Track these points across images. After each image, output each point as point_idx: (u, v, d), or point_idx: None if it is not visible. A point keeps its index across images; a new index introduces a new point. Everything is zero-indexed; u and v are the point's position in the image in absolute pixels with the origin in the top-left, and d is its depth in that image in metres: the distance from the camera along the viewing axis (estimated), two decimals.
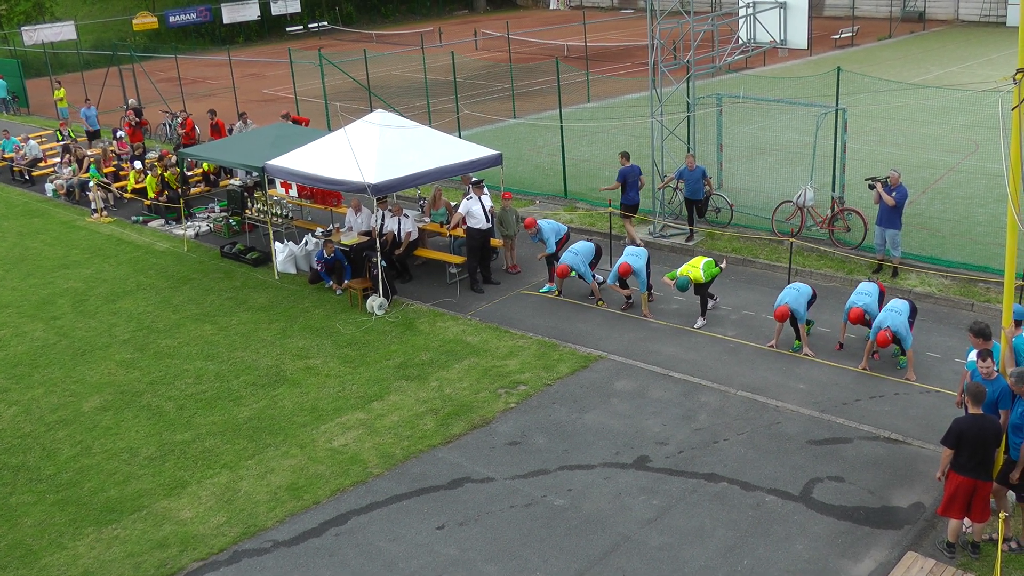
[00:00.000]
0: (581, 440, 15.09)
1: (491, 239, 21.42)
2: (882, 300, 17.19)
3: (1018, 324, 13.14)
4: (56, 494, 14.95)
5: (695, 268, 18.44)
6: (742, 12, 23.90)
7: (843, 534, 12.76)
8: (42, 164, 35.56)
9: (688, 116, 24.37)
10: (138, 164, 31.18)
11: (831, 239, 21.80)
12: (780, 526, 12.97)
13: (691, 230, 22.87)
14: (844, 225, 21.72)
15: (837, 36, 51.81)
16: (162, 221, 28.55)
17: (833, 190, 22.15)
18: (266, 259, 23.72)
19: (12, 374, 19.05)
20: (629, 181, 22.76)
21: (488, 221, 20.96)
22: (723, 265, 19.27)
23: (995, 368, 12.29)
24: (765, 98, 29.32)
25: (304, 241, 23.29)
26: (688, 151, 23.72)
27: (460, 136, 26.50)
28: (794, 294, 17.20)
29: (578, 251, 19.97)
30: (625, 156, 23.12)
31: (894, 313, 16.20)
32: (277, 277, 22.90)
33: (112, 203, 30.60)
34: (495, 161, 22.30)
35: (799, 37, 23.30)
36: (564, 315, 19.60)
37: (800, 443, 14.74)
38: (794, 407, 15.67)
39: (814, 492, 13.60)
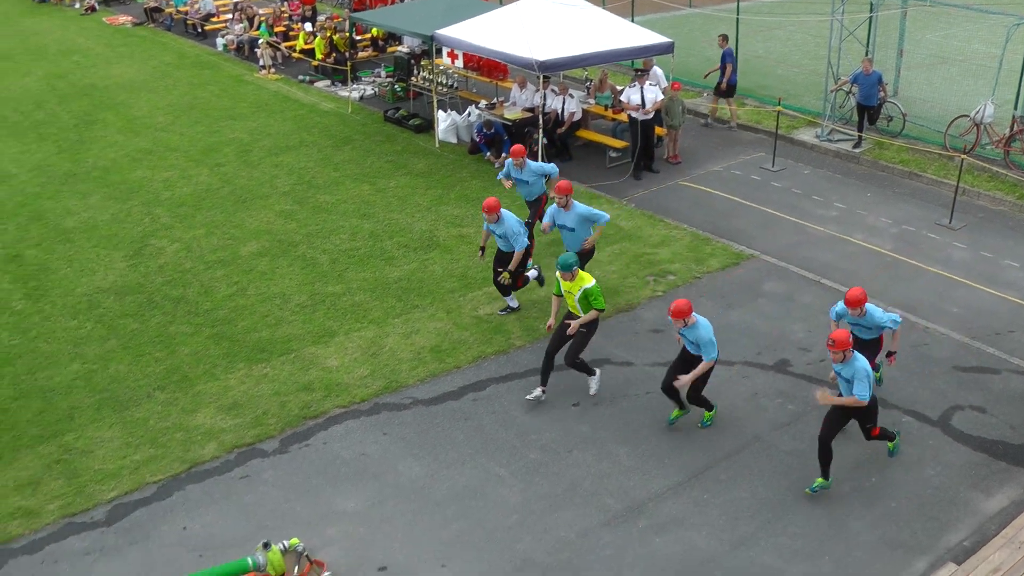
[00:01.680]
0: (724, 336, 14.92)
1: (655, 127, 21.10)
2: None
3: None
4: (212, 328, 15.63)
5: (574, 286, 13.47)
6: None
7: (977, 466, 12.42)
8: (214, 19, 36.31)
9: (870, 17, 23.38)
10: (308, 26, 31.57)
11: (1006, 160, 20.79)
12: (913, 448, 12.71)
13: (860, 137, 22.13)
14: (1022, 147, 20.71)
15: None
16: (328, 82, 28.96)
17: (1015, 108, 21.01)
18: (428, 126, 23.91)
19: (177, 213, 19.76)
20: (730, 63, 23.41)
21: (649, 109, 20.60)
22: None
23: None
24: (954, 3, 27.85)
25: (467, 112, 23.36)
26: (866, 54, 22.82)
27: (633, 21, 25.99)
28: None
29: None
30: (724, 39, 23.68)
31: None
32: (437, 145, 23.08)
33: (280, 61, 31.13)
34: (666, 49, 21.83)
35: None
36: (721, 210, 19.28)
37: (945, 368, 14.33)
38: (944, 330, 15.20)
39: (953, 419, 13.25)
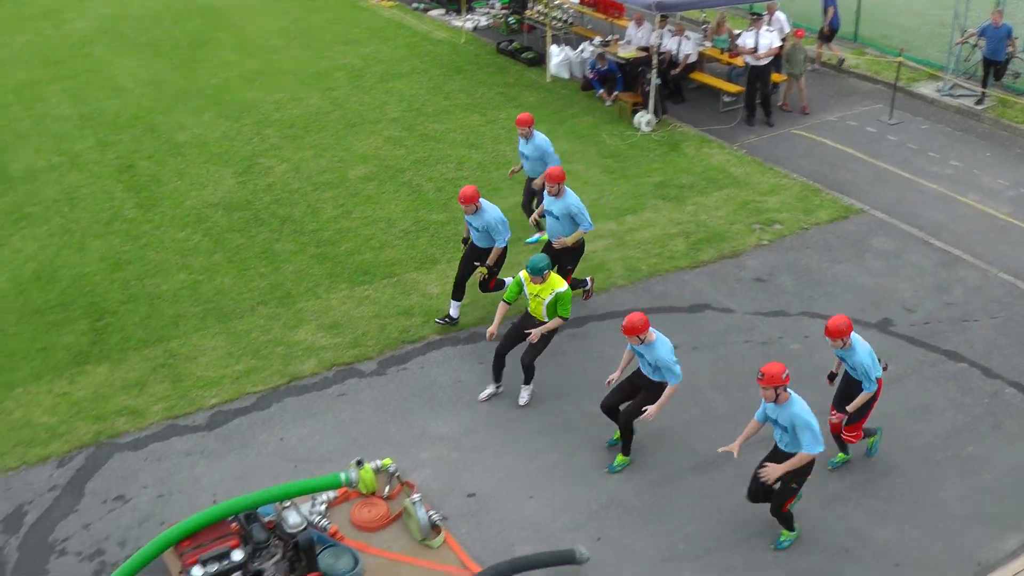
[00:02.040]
0: (828, 289, 14.75)
1: (772, 74, 20.66)
2: None
3: None
4: (316, 248, 15.87)
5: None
6: None
7: None
8: None
9: None
10: None
11: None
12: (1014, 421, 12.37)
13: (983, 93, 21.39)
14: None
15: None
16: (442, 11, 28.90)
17: None
18: (540, 60, 23.73)
19: (287, 135, 20.00)
20: (832, 6, 22.99)
21: (761, 55, 20.14)
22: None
23: None
24: None
25: (580, 48, 23.12)
26: (996, 6, 21.97)
27: None
28: None
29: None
30: None
31: None
32: (549, 79, 22.93)
33: None
34: None
35: None
36: (832, 161, 18.87)
37: None
38: None
39: None
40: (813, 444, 9.87)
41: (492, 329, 12.49)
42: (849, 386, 11.19)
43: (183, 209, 17.34)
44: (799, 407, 9.92)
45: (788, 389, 9.98)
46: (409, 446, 11.89)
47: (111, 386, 13.22)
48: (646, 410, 11.18)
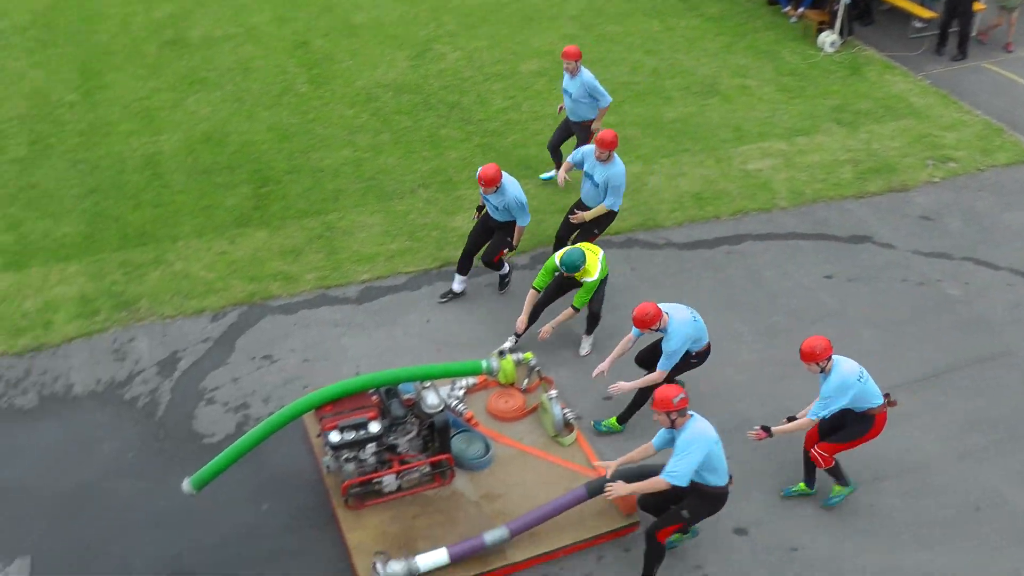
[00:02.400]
0: (997, 237, 14.07)
1: (975, 2, 19.55)
2: None
3: None
4: (481, 138, 15.89)
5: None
6: None
7: None
8: None
9: None
10: None
11: None
12: None
13: None
14: None
15: None
16: None
17: None
18: None
19: (463, 23, 19.89)
20: None
21: None
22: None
23: None
24: None
25: None
26: None
27: None
28: None
29: None
30: None
31: None
32: None
33: None
34: None
35: None
36: (1022, 101, 17.91)
37: None
38: None
39: None
40: (671, 474, 8.72)
41: (522, 320, 11.74)
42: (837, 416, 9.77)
43: (353, 88, 17.51)
44: (689, 434, 8.74)
45: (691, 413, 8.87)
46: (552, 343, 11.90)
47: (268, 250, 13.59)
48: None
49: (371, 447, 9.75)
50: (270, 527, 9.98)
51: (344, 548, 9.64)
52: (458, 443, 10.42)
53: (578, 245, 11.48)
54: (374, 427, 9.67)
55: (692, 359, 10.55)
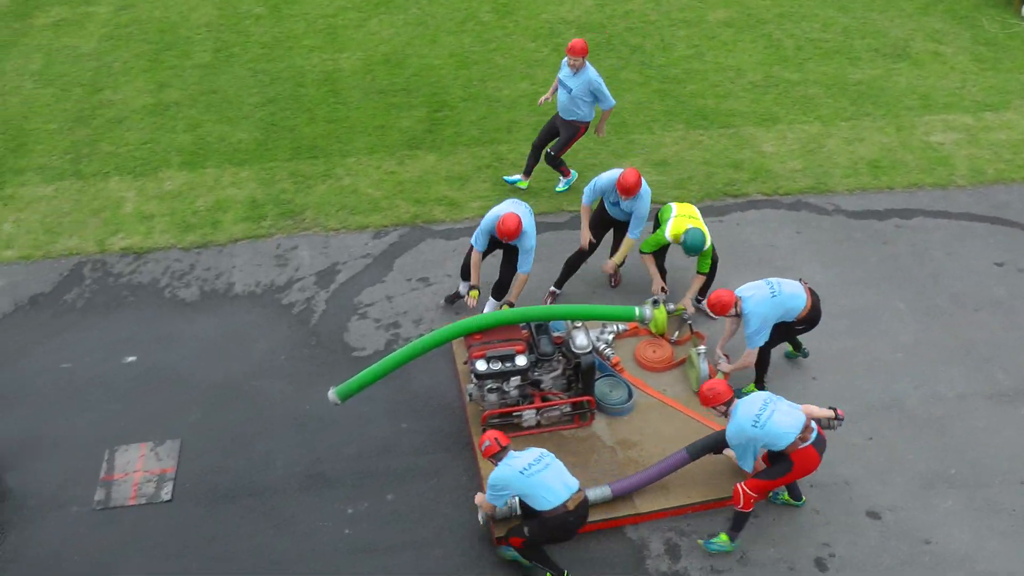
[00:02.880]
0: None
1: None
2: None
3: None
4: (660, 84, 15.58)
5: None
6: None
7: None
8: None
9: None
10: None
11: None
12: None
13: None
14: None
15: None
16: None
17: None
18: None
19: None
20: None
21: None
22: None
23: None
24: None
25: None
26: None
27: None
28: None
29: None
30: None
31: None
32: None
33: None
34: None
35: None
36: None
37: None
38: None
39: None
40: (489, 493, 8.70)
41: (656, 282, 11.47)
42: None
43: (537, 21, 17.37)
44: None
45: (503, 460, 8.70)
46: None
47: (436, 175, 13.69)
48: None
49: (515, 380, 9.79)
50: (406, 446, 10.14)
51: (477, 476, 9.73)
52: (601, 386, 10.38)
53: (681, 214, 11.17)
54: (521, 361, 9.69)
55: (796, 326, 10.25)
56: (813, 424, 8.90)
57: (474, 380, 9.83)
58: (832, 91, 15.47)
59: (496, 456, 8.65)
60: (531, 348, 9.96)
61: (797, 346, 11.02)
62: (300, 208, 13.28)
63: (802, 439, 8.76)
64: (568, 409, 10.07)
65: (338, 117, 14.95)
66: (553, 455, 8.76)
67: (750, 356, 10.18)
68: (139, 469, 10.04)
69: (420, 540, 9.34)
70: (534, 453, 8.67)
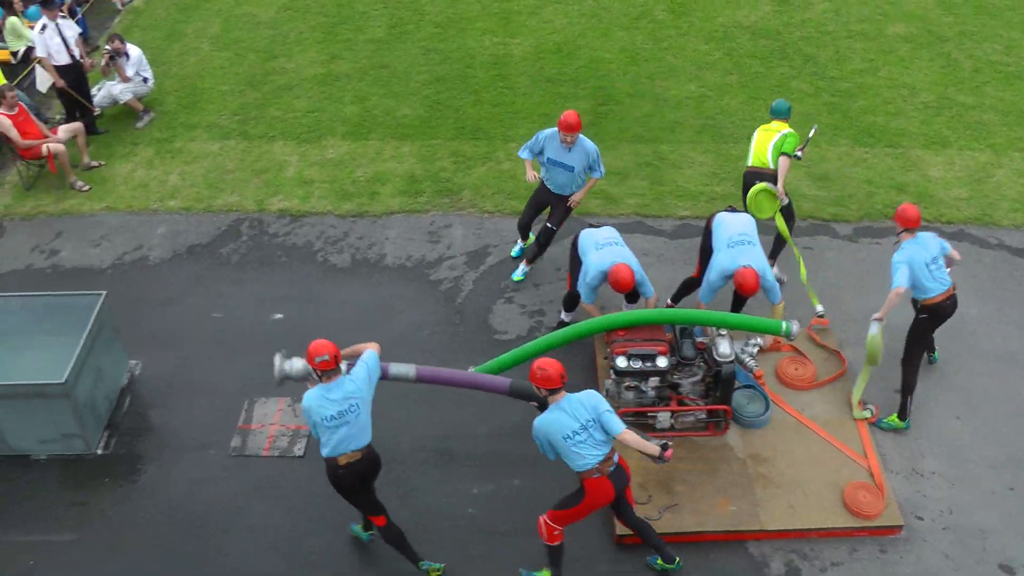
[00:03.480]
0: None
1: None
2: None
3: None
4: (830, 96, 15.25)
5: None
6: None
7: None
8: None
9: None
10: None
11: None
12: None
13: None
14: None
15: None
16: None
17: None
18: None
19: None
20: None
21: None
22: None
23: None
24: None
25: None
26: None
27: None
28: None
29: None
30: None
31: None
32: None
33: None
34: None
35: None
36: None
37: None
38: None
39: None
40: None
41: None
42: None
43: (712, 24, 17.18)
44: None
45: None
46: (855, 319, 11.34)
47: None
48: None
49: (654, 381, 9.72)
50: None
51: None
52: (739, 397, 10.22)
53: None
54: (662, 362, 9.62)
55: (930, 317, 9.99)
56: (616, 457, 8.42)
57: (613, 376, 9.79)
58: (1008, 119, 14.88)
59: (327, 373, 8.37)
60: (673, 351, 9.88)
61: (932, 349, 10.75)
62: (458, 187, 13.42)
63: (598, 470, 8.33)
64: (703, 416, 9.95)
65: (504, 101, 15.06)
66: (363, 413, 8.40)
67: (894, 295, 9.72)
68: (276, 423, 10.34)
69: None
70: (346, 404, 8.31)
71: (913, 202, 12.99)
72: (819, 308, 11.25)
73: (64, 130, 14.01)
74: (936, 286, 9.74)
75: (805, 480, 9.58)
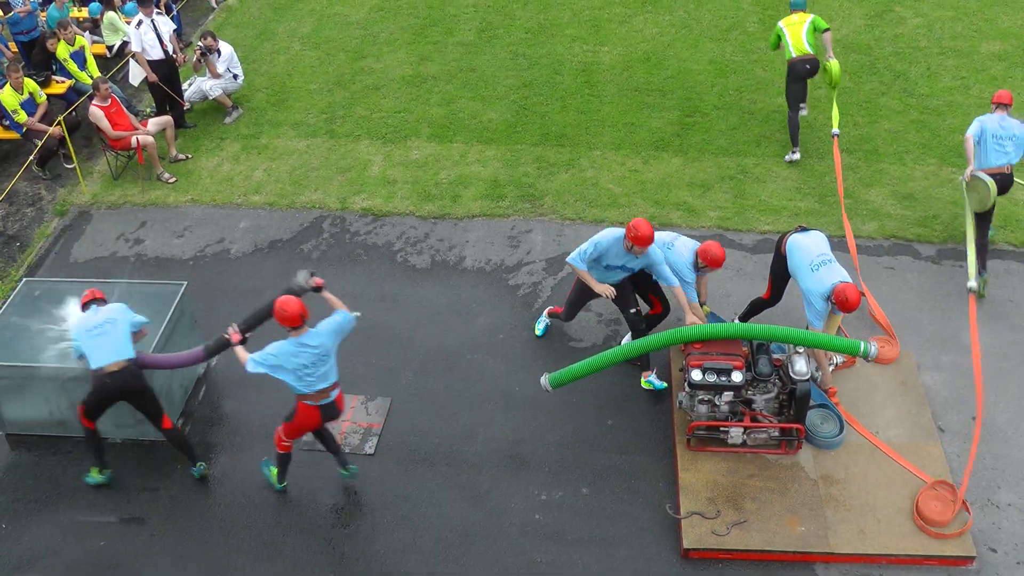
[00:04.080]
0: None
1: None
2: None
3: None
4: (919, 114, 15.01)
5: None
6: None
7: None
8: None
9: None
10: None
11: None
12: None
13: None
14: None
15: None
16: None
17: None
18: None
19: None
20: None
21: None
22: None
23: None
24: None
25: None
26: None
27: None
28: None
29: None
30: None
31: None
32: None
33: None
34: None
35: None
36: None
37: None
38: None
39: None
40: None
41: None
42: None
43: None
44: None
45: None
46: (934, 344, 11.17)
47: (679, 178, 13.63)
48: None
49: (728, 395, 9.65)
50: (608, 442, 10.15)
51: (674, 484, 9.67)
52: (813, 416, 10.11)
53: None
54: (737, 377, 9.55)
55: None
56: (334, 394, 9.17)
57: (687, 389, 9.75)
58: None
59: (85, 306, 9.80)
60: (749, 366, 9.81)
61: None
62: (540, 193, 13.47)
63: (312, 398, 9.04)
64: (776, 433, 9.86)
65: (590, 109, 15.08)
66: (122, 322, 9.55)
67: None
68: (348, 419, 10.45)
69: (608, 538, 9.33)
70: (106, 314, 9.56)
71: (999, 226, 12.81)
72: (836, 130, 12.92)
73: (154, 123, 14.35)
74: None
75: (877, 504, 9.45)
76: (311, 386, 8.94)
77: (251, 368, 8.92)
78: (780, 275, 10.53)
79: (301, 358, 8.82)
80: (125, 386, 9.41)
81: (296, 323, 8.76)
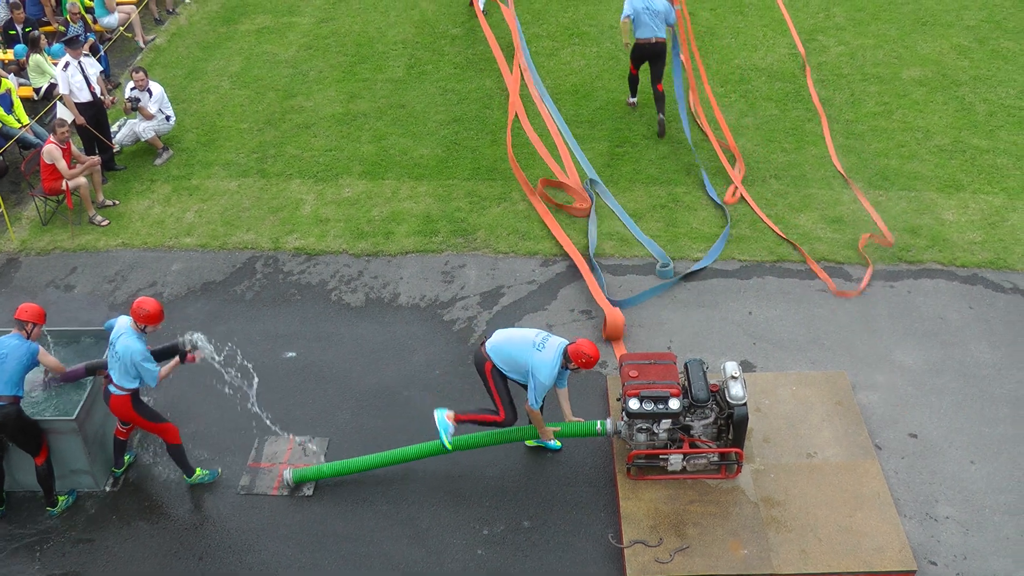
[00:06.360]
0: None
1: None
2: None
3: None
4: (844, 139, 15.24)
5: None
6: None
7: None
8: None
9: None
10: None
11: None
12: None
13: None
14: None
15: None
16: None
17: None
18: None
19: (853, 18, 18.89)
20: None
21: None
22: None
23: None
24: None
25: None
26: None
27: None
28: None
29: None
30: None
31: None
32: None
33: None
34: None
35: None
36: None
37: None
38: None
39: None
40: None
41: None
42: None
43: (728, 66, 17.28)
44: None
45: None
46: (868, 363, 11.36)
47: (611, 209, 13.72)
48: None
49: (666, 423, 9.69)
50: (548, 475, 10.15)
51: (615, 513, 9.68)
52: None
53: None
54: (674, 404, 9.59)
55: None
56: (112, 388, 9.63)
57: (625, 418, 9.79)
58: (1022, 162, 14.85)
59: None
60: (686, 393, 9.86)
61: None
62: (473, 228, 13.50)
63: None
64: (716, 458, 9.92)
65: (521, 142, 15.13)
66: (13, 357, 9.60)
67: None
68: (285, 461, 10.34)
69: (551, 571, 9.30)
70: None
71: (927, 245, 13.05)
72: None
73: (83, 166, 14.17)
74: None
75: (818, 524, 9.53)
76: None
77: None
78: (503, 387, 9.86)
79: None
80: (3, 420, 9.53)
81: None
